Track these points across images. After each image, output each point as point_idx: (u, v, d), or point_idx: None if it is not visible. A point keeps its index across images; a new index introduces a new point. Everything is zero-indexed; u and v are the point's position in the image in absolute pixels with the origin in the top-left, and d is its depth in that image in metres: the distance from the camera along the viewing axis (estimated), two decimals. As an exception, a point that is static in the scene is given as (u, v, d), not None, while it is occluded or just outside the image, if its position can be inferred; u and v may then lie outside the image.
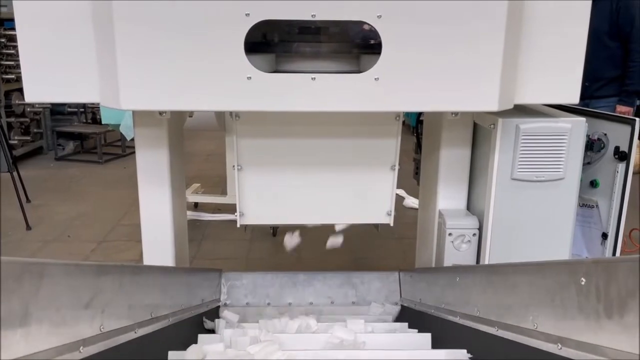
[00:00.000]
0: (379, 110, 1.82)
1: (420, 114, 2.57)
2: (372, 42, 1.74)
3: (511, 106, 1.79)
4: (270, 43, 1.90)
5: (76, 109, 7.76)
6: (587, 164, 2.12)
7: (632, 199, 2.12)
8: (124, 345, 1.31)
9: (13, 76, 6.60)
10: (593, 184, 2.19)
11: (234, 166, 2.18)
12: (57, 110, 7.61)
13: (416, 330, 2.01)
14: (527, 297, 1.26)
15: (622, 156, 2.06)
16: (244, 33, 1.61)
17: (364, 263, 3.85)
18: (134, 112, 2.02)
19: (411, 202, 4.87)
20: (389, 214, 2.26)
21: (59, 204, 5.23)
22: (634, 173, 2.10)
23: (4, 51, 6.58)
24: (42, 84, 1.75)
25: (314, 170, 2.20)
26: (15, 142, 6.69)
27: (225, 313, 2.28)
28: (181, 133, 2.36)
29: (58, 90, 1.75)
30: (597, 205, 2.19)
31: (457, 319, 1.70)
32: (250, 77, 1.65)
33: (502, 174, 1.95)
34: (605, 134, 2.11)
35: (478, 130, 2.14)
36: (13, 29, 6.46)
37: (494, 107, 1.71)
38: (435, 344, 1.84)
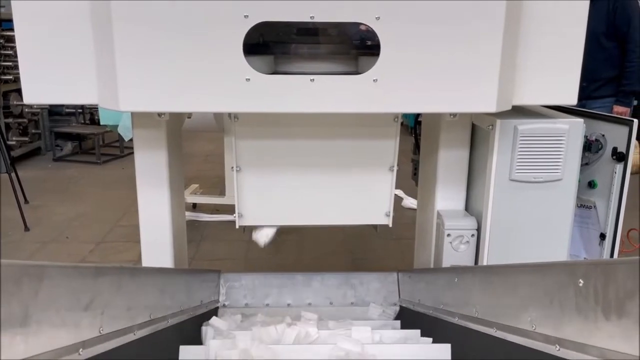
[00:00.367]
0: (378, 111, 1.82)
1: (418, 114, 2.57)
2: (371, 43, 1.74)
3: (509, 107, 1.80)
4: (269, 44, 1.91)
5: (74, 110, 7.76)
6: (585, 164, 2.12)
7: (630, 199, 2.12)
8: (123, 347, 1.31)
9: (11, 77, 6.59)
10: (591, 184, 2.19)
11: (232, 167, 2.18)
12: (55, 111, 7.61)
13: (430, 340, 1.85)
14: (525, 298, 1.26)
15: (619, 157, 2.06)
16: (242, 35, 1.61)
17: (363, 264, 3.85)
18: (133, 114, 2.02)
19: (410, 202, 4.87)
20: (387, 215, 2.26)
21: (57, 204, 5.22)
22: (631, 174, 2.10)
23: (2, 52, 6.57)
24: (40, 85, 1.74)
25: (313, 171, 2.20)
26: (14, 142, 6.69)
27: (213, 320, 2.11)
28: (180, 134, 2.36)
29: (56, 91, 1.75)
30: (595, 206, 2.19)
31: (455, 320, 1.70)
32: (249, 79, 1.65)
33: (500, 175, 1.96)
34: (603, 135, 2.12)
35: (476, 132, 2.14)
36: (11, 29, 6.45)
37: (492, 108, 1.72)
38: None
